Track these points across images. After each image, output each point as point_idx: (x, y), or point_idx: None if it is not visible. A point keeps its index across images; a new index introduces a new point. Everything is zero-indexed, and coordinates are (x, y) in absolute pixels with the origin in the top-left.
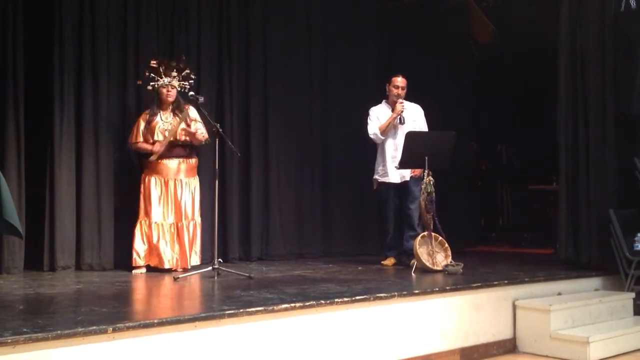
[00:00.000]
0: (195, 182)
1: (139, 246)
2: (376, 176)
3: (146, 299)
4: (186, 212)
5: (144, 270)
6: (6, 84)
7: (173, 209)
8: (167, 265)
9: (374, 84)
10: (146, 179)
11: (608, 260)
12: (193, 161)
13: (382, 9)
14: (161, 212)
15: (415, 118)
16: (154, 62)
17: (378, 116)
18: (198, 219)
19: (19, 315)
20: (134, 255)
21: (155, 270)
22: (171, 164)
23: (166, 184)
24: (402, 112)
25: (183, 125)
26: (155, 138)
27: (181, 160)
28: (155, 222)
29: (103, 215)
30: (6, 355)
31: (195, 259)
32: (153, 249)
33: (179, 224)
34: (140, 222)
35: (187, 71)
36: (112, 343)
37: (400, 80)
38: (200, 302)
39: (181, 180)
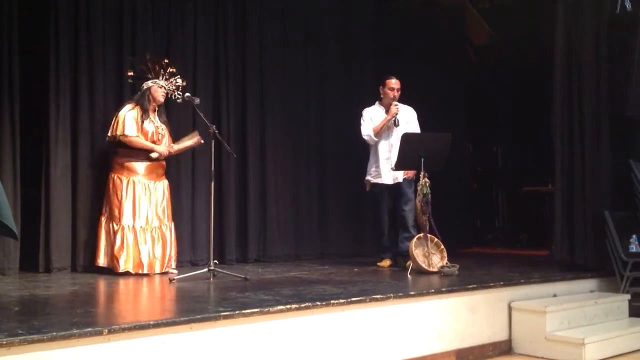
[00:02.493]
0: (166, 184)
1: (117, 250)
2: (368, 177)
3: (142, 300)
4: (168, 214)
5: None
6: (1, 84)
7: (155, 212)
8: (146, 270)
9: (370, 85)
10: (124, 180)
11: (603, 261)
12: (164, 164)
13: (378, 10)
14: (144, 215)
15: (408, 120)
16: (166, 60)
17: (372, 117)
18: (171, 222)
19: (14, 317)
20: (112, 259)
21: (132, 275)
22: (152, 166)
23: (147, 186)
24: (396, 114)
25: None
26: (154, 140)
27: (160, 163)
28: (140, 227)
29: (98, 216)
30: (2, 357)
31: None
32: (133, 254)
33: (163, 227)
34: (114, 224)
35: (184, 84)
36: (108, 345)
37: (395, 82)
38: (195, 304)
39: (157, 183)
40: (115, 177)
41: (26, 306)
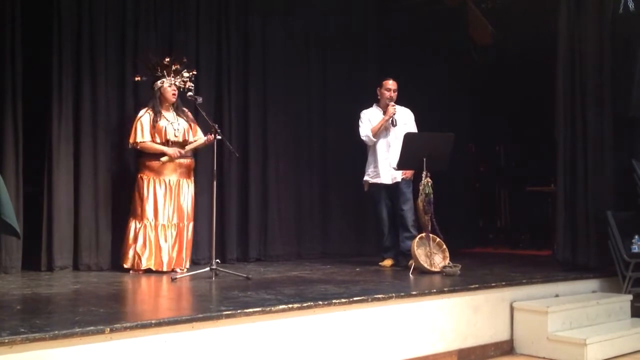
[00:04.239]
0: (192, 183)
1: (140, 248)
2: (367, 177)
3: (144, 299)
4: (188, 213)
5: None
6: (4, 83)
7: (176, 210)
8: (166, 268)
9: (372, 84)
10: (145, 179)
11: (605, 262)
12: (191, 162)
13: (380, 10)
14: (166, 213)
15: (406, 121)
16: (167, 59)
17: (370, 119)
18: (190, 222)
19: (17, 315)
20: (134, 256)
21: (153, 271)
22: (176, 165)
23: (169, 184)
24: (394, 114)
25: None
26: (170, 138)
27: (182, 161)
28: (162, 224)
29: (101, 215)
30: (4, 356)
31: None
32: (155, 251)
33: (181, 225)
34: (138, 222)
35: (194, 72)
36: (110, 343)
37: (391, 83)
38: (197, 303)
39: (180, 181)
40: (139, 177)
41: (28, 305)
